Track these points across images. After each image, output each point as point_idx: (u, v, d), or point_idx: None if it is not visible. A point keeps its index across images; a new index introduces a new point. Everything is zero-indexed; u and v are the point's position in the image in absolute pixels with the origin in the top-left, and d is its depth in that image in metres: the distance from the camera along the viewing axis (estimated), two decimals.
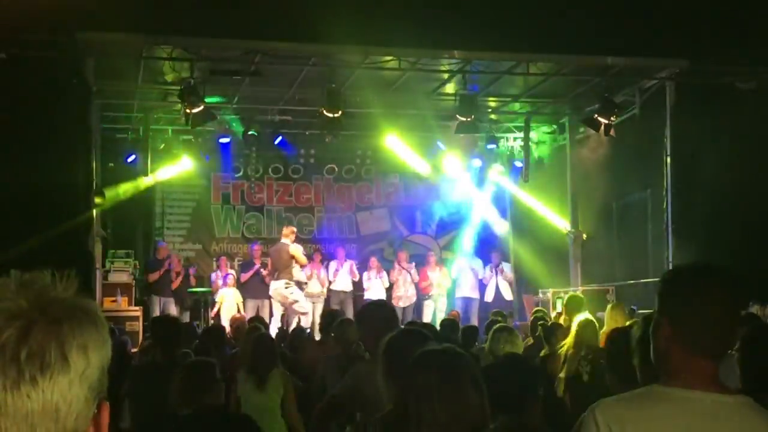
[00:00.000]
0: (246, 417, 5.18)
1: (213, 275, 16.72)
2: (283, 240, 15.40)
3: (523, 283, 18.34)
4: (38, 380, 1.19)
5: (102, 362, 1.27)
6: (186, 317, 15.81)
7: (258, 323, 10.20)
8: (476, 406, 3.08)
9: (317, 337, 11.68)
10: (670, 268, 2.60)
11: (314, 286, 16.43)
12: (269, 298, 15.84)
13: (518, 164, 18.56)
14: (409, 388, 3.16)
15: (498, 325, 7.70)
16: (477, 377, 3.16)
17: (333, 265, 16.89)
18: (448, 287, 17.33)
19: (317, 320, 15.52)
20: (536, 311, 11.80)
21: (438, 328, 10.01)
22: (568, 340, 7.10)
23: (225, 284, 16.13)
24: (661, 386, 2.31)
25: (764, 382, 3.70)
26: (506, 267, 17.79)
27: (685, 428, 2.22)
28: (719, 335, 2.29)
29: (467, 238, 19.05)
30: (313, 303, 16.26)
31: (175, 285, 15.98)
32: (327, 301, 16.56)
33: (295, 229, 15.98)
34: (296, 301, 15.02)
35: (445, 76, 14.76)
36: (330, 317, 9.72)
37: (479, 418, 3.08)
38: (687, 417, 2.23)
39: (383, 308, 5.22)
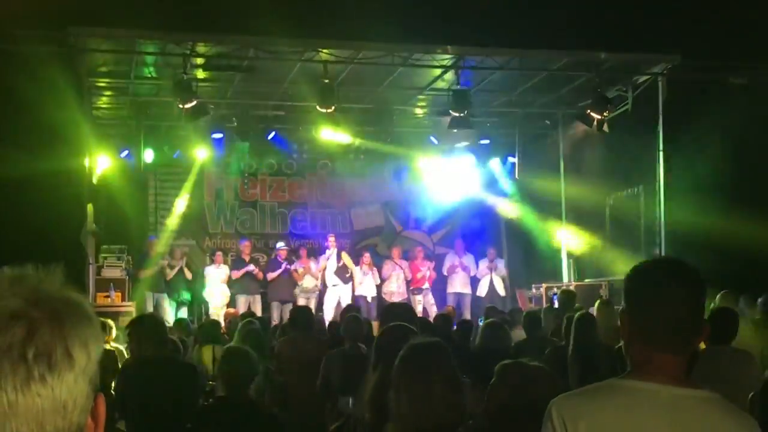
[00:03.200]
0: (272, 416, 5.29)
1: (206, 269, 16.73)
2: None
3: (515, 278, 18.38)
4: (47, 379, 1.20)
5: (98, 356, 1.28)
6: (183, 312, 15.82)
7: (252, 318, 10.21)
8: (442, 402, 3.06)
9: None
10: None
11: (308, 281, 16.50)
12: (260, 293, 16.08)
13: (511, 159, 18.59)
14: (391, 381, 3.18)
15: (488, 320, 7.72)
16: (452, 374, 3.14)
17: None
18: (434, 280, 17.42)
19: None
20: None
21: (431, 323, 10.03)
22: None
23: (216, 279, 16.18)
24: (620, 380, 2.34)
25: None
26: (500, 262, 17.83)
27: (637, 420, 2.23)
28: (674, 329, 2.29)
29: (459, 233, 19.07)
30: (307, 299, 16.32)
31: (169, 277, 15.99)
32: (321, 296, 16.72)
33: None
34: None
35: (438, 71, 14.77)
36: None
37: (448, 414, 3.06)
38: (640, 409, 2.24)
39: (403, 309, 5.25)
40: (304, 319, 8.73)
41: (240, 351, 5.24)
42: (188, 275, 16.33)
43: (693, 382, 2.33)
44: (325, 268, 16.76)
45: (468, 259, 17.67)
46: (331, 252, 16.93)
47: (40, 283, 1.26)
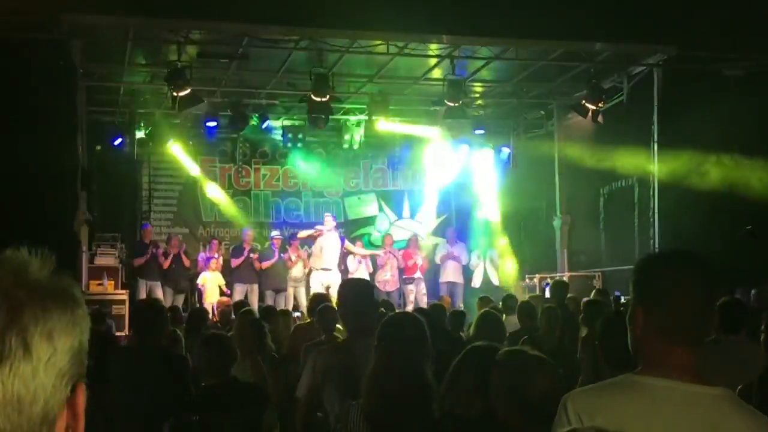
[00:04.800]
0: (259, 388, 5.43)
1: (200, 256, 16.67)
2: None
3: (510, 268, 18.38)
4: None
5: (74, 345, 1.20)
6: (180, 300, 15.78)
7: (249, 307, 10.17)
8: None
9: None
10: (643, 255, 2.61)
11: (296, 271, 16.45)
12: (258, 282, 16.03)
13: (506, 149, 18.58)
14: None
15: (484, 311, 7.70)
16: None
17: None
18: (426, 270, 17.39)
19: (302, 304, 15.60)
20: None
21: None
22: None
23: (207, 267, 16.08)
24: (635, 375, 2.30)
25: None
26: (494, 253, 17.83)
27: (655, 417, 2.20)
28: (691, 324, 2.26)
29: (453, 224, 19.07)
30: (295, 287, 16.30)
31: (165, 265, 15.92)
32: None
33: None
34: None
35: (433, 61, 14.73)
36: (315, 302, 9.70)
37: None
38: (657, 406, 2.21)
39: (361, 286, 5.18)
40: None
41: (219, 337, 5.35)
42: (186, 263, 16.28)
43: (707, 379, 2.29)
44: (321, 249, 16.62)
45: (460, 248, 17.65)
46: (329, 230, 16.76)
47: (16, 269, 1.19)
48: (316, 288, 15.44)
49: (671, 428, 2.20)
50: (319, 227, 16.75)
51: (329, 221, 16.78)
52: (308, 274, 16.61)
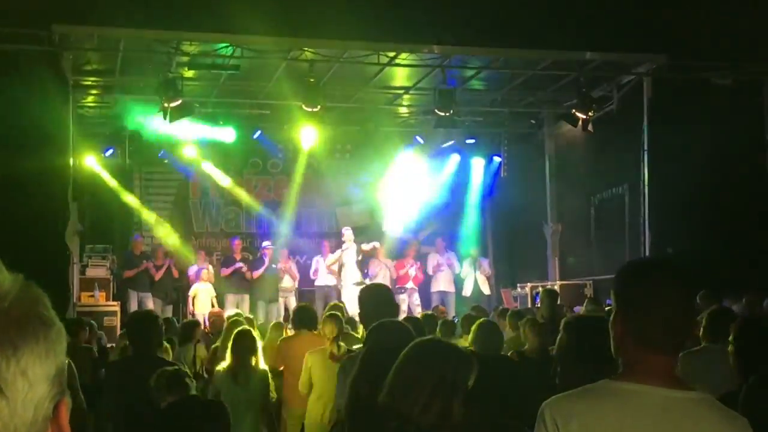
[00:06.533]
0: (219, 404, 5.34)
1: (191, 269, 16.64)
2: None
3: (501, 277, 18.40)
4: None
5: (50, 373, 1.15)
6: (168, 311, 15.74)
7: (238, 318, 10.16)
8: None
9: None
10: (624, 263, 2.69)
11: (286, 281, 16.43)
12: (249, 292, 15.99)
13: (497, 158, 18.61)
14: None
15: (482, 320, 7.70)
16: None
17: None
18: (421, 281, 17.34)
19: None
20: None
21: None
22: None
23: (198, 278, 16.04)
24: (612, 381, 2.32)
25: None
26: (484, 261, 17.82)
27: (631, 422, 2.22)
28: (666, 332, 2.28)
29: (445, 233, 19.06)
30: (285, 298, 16.27)
31: (157, 277, 15.90)
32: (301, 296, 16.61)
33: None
34: None
35: (424, 70, 14.77)
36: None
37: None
38: (634, 411, 2.22)
39: (380, 290, 5.31)
40: (308, 316, 8.69)
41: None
42: (175, 274, 16.25)
43: (685, 384, 2.32)
44: (342, 265, 16.54)
45: (450, 257, 17.63)
46: (348, 246, 16.67)
47: None
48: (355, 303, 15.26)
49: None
50: (338, 252, 16.61)
51: (349, 235, 16.74)
52: (296, 287, 16.63)
